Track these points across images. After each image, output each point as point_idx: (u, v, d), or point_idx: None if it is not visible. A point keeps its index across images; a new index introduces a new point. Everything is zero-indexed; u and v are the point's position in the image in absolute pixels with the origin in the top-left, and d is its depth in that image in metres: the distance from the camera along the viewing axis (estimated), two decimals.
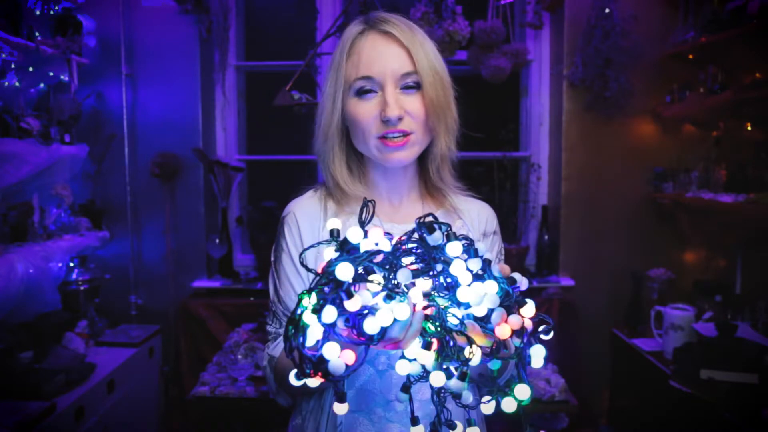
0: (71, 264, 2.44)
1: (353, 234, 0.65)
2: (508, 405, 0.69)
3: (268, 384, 1.01)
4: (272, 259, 1.03)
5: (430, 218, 0.68)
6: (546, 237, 2.82)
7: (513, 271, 0.72)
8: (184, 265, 2.82)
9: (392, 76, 0.90)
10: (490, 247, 1.06)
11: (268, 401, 2.14)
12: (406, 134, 0.91)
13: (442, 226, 0.68)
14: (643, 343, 2.41)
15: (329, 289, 0.63)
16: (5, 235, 2.11)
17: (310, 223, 0.99)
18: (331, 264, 0.63)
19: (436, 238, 0.66)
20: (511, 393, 0.68)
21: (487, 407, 0.71)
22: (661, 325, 2.29)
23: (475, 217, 1.06)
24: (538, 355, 0.68)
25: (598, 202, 2.78)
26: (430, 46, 0.94)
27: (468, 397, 0.70)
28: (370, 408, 0.95)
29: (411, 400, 0.72)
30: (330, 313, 0.61)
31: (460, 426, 0.71)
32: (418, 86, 0.92)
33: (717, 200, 2.22)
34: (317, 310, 0.61)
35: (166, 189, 2.78)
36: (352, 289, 0.61)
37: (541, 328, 0.70)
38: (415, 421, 0.72)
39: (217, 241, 2.75)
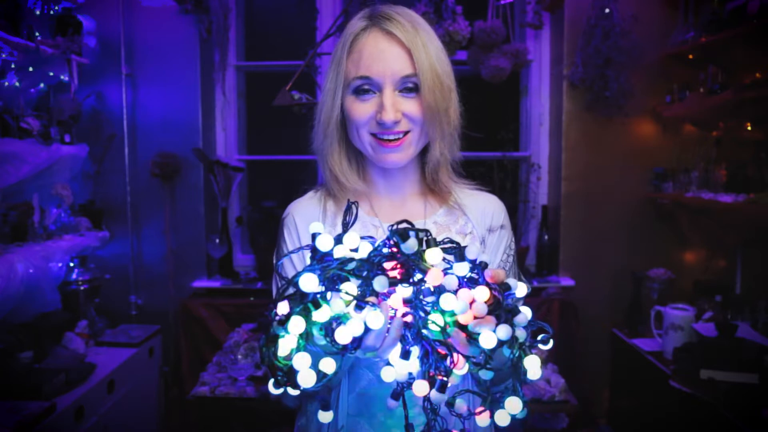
0: (71, 264, 2.44)
1: (322, 242, 0.64)
2: (501, 418, 0.67)
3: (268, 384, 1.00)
4: (274, 261, 1.03)
5: (405, 225, 0.65)
6: (546, 237, 2.82)
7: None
8: (184, 265, 2.82)
9: (392, 77, 0.89)
10: (497, 243, 1.02)
11: (268, 401, 2.14)
12: (403, 133, 0.91)
13: (420, 233, 0.65)
14: (643, 343, 2.40)
15: (298, 299, 0.62)
16: (5, 235, 2.11)
17: (308, 224, 0.99)
18: (297, 274, 0.61)
19: (410, 245, 0.63)
20: (502, 405, 0.66)
21: (482, 418, 0.68)
22: (661, 325, 2.29)
23: (479, 212, 1.03)
24: (533, 366, 0.65)
25: (598, 202, 2.77)
26: (433, 46, 0.91)
27: (461, 405, 0.68)
28: (371, 412, 0.94)
29: (405, 406, 0.70)
30: (297, 324, 0.60)
31: None
32: (417, 88, 0.90)
33: (717, 200, 2.21)
34: (283, 322, 0.61)
35: (166, 189, 2.78)
36: (321, 298, 0.60)
37: (539, 337, 0.67)
38: (409, 428, 0.70)
39: (217, 241, 2.75)
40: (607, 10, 2.55)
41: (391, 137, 0.90)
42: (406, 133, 0.91)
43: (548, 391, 2.16)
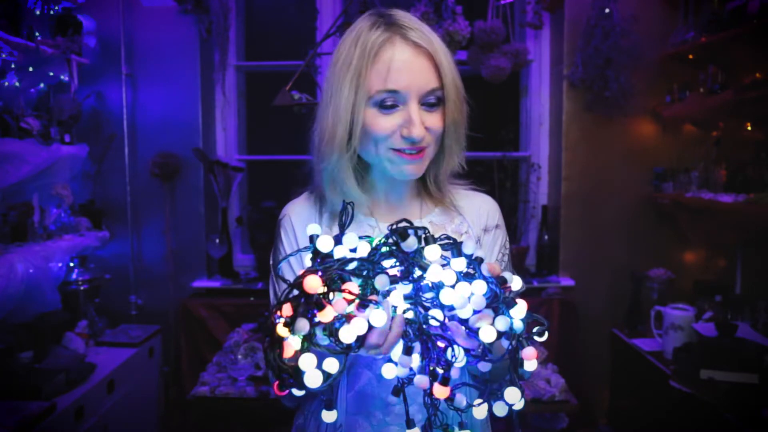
0: (71, 264, 2.44)
1: (322, 243, 0.64)
2: (500, 409, 0.68)
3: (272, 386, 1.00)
4: (271, 263, 1.03)
5: (404, 224, 0.66)
6: (546, 237, 2.82)
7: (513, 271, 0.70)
8: (184, 265, 2.82)
9: (418, 91, 0.86)
10: (492, 242, 1.03)
11: (268, 401, 2.14)
12: (422, 149, 0.90)
13: (418, 231, 0.66)
14: (643, 343, 2.40)
15: (302, 300, 0.62)
16: (5, 235, 2.11)
17: (305, 225, 0.98)
18: (300, 276, 0.62)
19: (410, 244, 0.65)
20: (501, 397, 0.67)
21: (479, 411, 0.69)
22: (661, 325, 2.29)
23: (475, 212, 1.04)
24: (529, 358, 0.66)
25: (598, 202, 2.77)
26: (449, 53, 0.90)
27: (461, 400, 0.69)
28: (370, 411, 0.94)
29: (406, 402, 0.71)
30: (302, 326, 0.60)
31: (456, 429, 0.70)
32: (439, 102, 0.89)
33: (717, 200, 2.21)
34: (289, 324, 0.61)
35: (166, 189, 2.78)
36: (323, 299, 0.61)
37: (534, 330, 0.68)
38: (410, 423, 0.71)
39: (217, 241, 2.75)
40: (607, 10, 2.55)
41: (414, 151, 0.89)
42: (424, 148, 0.90)
43: (548, 391, 2.16)
